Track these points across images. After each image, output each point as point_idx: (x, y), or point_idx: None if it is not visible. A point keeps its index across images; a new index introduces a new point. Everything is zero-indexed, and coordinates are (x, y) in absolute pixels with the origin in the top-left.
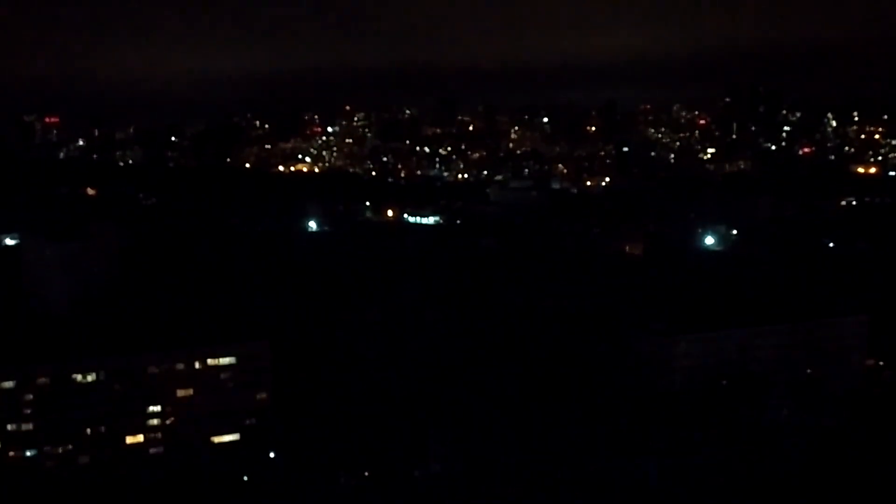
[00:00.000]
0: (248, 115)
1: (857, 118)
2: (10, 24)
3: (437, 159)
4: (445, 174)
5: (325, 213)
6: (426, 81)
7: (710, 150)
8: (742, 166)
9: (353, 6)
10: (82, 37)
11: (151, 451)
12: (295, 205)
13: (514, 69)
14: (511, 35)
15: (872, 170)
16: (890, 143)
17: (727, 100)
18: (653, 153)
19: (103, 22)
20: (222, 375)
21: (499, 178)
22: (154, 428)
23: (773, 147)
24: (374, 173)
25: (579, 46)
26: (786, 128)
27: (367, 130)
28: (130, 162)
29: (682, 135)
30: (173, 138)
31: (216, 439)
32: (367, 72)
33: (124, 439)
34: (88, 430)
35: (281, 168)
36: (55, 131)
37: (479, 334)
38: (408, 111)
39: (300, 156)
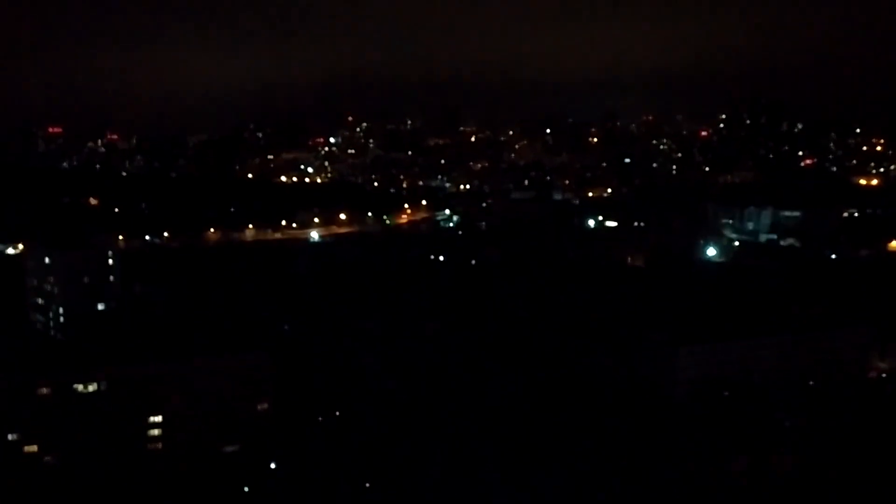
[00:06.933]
0: (251, 126)
1: (858, 130)
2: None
3: (440, 170)
4: (448, 185)
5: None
6: (429, 92)
7: (712, 161)
8: (744, 177)
9: (356, 18)
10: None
11: (152, 460)
12: (297, 215)
13: (516, 80)
14: (513, 47)
15: (874, 181)
16: (891, 155)
17: (729, 111)
18: (654, 164)
19: (107, 33)
20: (224, 385)
21: (501, 188)
22: (155, 438)
23: (775, 158)
24: (376, 184)
25: (582, 58)
26: (788, 139)
27: (369, 141)
28: (133, 172)
29: (683, 146)
30: (176, 149)
31: (217, 449)
32: (369, 83)
33: (125, 449)
34: (89, 440)
35: (283, 178)
36: (59, 141)
37: (480, 344)
38: (410, 122)
39: (303, 166)
